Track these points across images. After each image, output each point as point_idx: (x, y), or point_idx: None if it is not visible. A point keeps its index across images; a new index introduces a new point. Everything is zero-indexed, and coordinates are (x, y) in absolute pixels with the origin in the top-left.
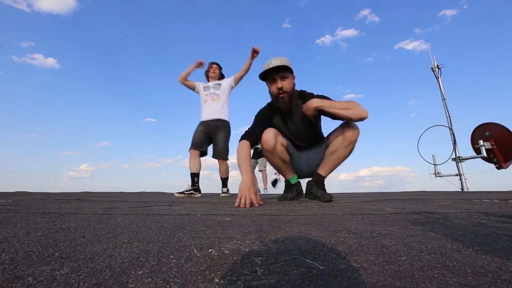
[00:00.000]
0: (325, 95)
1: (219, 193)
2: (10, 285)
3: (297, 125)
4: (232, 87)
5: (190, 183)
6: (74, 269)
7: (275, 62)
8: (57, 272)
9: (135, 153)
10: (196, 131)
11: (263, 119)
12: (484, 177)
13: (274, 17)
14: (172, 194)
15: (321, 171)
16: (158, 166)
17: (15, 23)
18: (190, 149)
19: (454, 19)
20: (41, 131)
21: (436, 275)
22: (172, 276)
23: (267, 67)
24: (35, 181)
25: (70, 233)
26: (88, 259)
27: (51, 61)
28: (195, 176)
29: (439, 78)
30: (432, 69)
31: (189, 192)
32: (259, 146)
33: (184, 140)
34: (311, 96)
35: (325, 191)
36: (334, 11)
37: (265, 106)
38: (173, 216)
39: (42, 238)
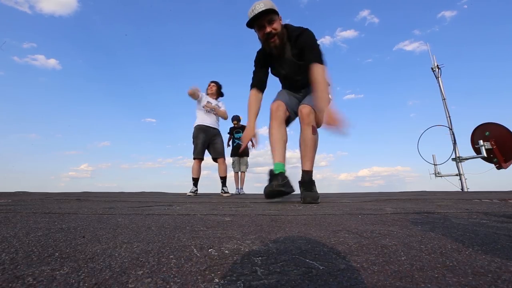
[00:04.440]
0: (305, 29)
1: (219, 192)
2: (10, 285)
3: (290, 67)
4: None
5: (194, 186)
6: (74, 269)
7: (259, 7)
8: (57, 272)
9: (135, 153)
10: (198, 139)
11: (262, 63)
12: (484, 177)
13: None
14: (172, 194)
15: (304, 166)
16: (158, 166)
17: (17, 25)
18: (195, 158)
19: (454, 19)
20: (41, 131)
21: (436, 275)
22: (172, 276)
23: (253, 14)
24: (35, 181)
25: (70, 233)
26: (88, 259)
27: (52, 62)
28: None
29: (439, 78)
30: (432, 69)
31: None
32: (240, 141)
33: (184, 140)
34: (299, 31)
35: (312, 190)
36: (334, 12)
37: (260, 50)
38: (173, 216)
39: (42, 238)
